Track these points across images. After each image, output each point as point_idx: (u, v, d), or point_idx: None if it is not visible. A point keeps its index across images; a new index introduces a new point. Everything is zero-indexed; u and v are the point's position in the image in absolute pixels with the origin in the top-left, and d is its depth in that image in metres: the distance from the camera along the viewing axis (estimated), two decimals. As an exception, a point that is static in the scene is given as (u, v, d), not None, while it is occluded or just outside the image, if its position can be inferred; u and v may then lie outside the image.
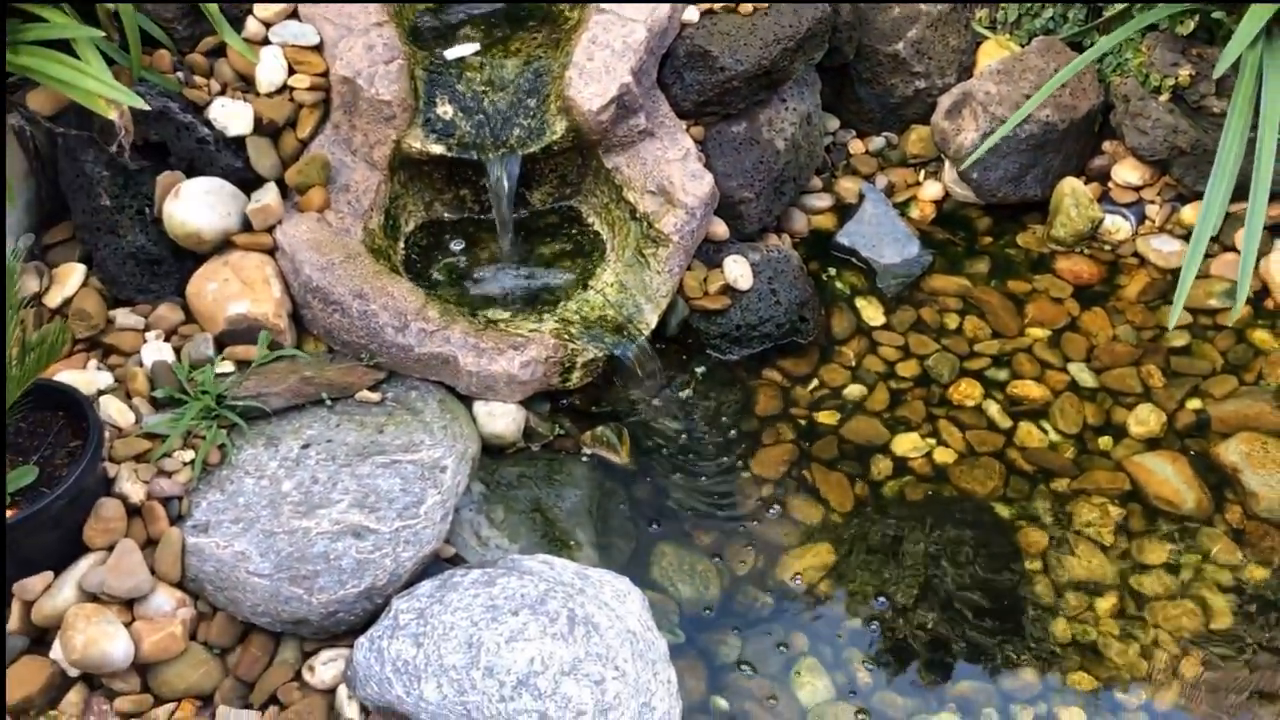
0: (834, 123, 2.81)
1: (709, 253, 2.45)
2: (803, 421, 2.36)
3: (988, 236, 2.67)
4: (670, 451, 2.30)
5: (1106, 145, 2.67)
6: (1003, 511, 2.22)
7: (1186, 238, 2.57)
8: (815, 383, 2.43)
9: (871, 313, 2.53)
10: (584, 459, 2.25)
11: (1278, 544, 2.16)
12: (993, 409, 2.37)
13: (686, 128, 2.47)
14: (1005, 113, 2.55)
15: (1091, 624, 2.09)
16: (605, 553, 2.12)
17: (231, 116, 2.24)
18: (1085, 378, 2.41)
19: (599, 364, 2.24)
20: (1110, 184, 2.65)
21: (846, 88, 2.77)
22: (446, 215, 2.45)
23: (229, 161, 2.24)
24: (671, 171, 2.36)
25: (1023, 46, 2.71)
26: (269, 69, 2.29)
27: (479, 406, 2.18)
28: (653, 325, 2.29)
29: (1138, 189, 2.63)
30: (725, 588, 2.12)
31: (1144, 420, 2.33)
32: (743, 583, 2.13)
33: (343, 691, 1.83)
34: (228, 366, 2.13)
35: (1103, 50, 2.49)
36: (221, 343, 2.17)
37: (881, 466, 2.29)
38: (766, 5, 2.49)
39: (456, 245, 2.41)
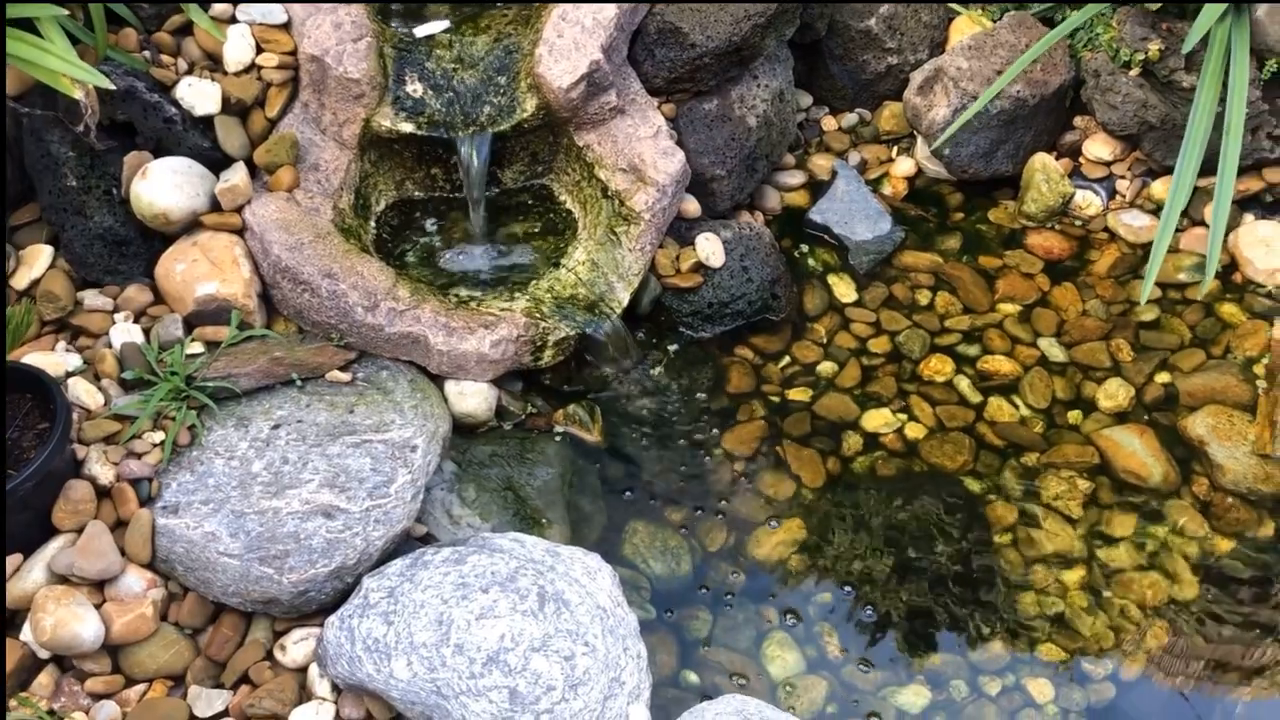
0: (807, 99, 2.81)
1: (681, 230, 2.45)
2: (775, 398, 2.37)
3: (959, 212, 2.67)
4: (642, 429, 2.31)
5: (1077, 120, 2.68)
6: (972, 486, 2.24)
7: (1157, 212, 2.58)
8: (787, 360, 2.43)
9: (844, 289, 2.54)
10: (556, 437, 2.26)
11: (1243, 516, 2.19)
12: (963, 384, 2.38)
13: (658, 105, 2.46)
14: (977, 88, 2.55)
15: (1059, 596, 2.11)
16: (577, 530, 2.13)
17: (199, 96, 2.22)
18: (1055, 352, 2.42)
19: (571, 342, 2.24)
20: (1081, 159, 2.66)
21: (819, 64, 2.77)
22: (417, 194, 2.44)
23: (197, 141, 2.22)
24: (643, 149, 2.36)
25: (994, 22, 2.71)
26: (236, 47, 2.28)
27: (450, 386, 2.18)
28: (625, 303, 2.29)
29: (1108, 164, 2.64)
30: (697, 563, 2.14)
31: (1113, 394, 2.35)
32: (714, 558, 2.15)
33: (314, 670, 1.84)
34: (197, 347, 2.13)
35: (1073, 25, 2.50)
36: (191, 324, 2.16)
37: (853, 442, 2.30)
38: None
39: (428, 224, 2.41)
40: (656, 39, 2.44)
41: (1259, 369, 2.35)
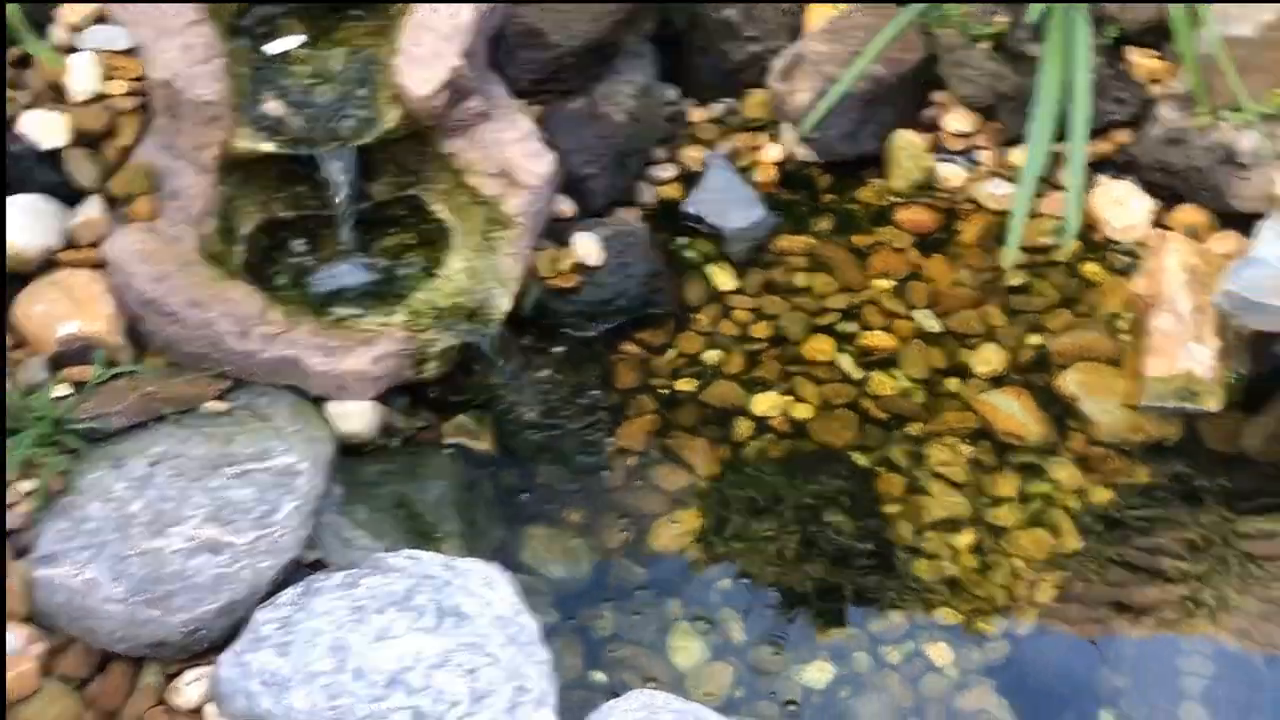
0: (673, 92, 2.81)
1: (558, 231, 2.45)
2: (663, 391, 2.39)
3: (830, 194, 2.71)
4: (534, 433, 2.31)
5: (936, 95, 2.74)
6: (861, 460, 2.28)
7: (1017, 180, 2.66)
8: (673, 352, 2.45)
9: (723, 278, 2.57)
10: (446, 450, 2.24)
11: (1119, 466, 2.27)
12: (845, 362, 2.43)
13: (525, 107, 2.46)
14: (837, 71, 2.60)
15: (951, 560, 2.17)
16: (474, 541, 2.12)
17: (44, 129, 2.15)
18: (930, 323, 2.48)
19: (454, 353, 2.22)
20: (942, 133, 2.72)
21: (683, 57, 2.78)
22: (285, 214, 2.39)
23: (46, 176, 2.15)
24: (512, 153, 2.35)
25: (849, 4, 2.75)
26: (81, 77, 2.21)
27: (332, 407, 2.15)
28: (506, 309, 2.28)
29: (968, 136, 2.71)
30: (597, 563, 2.14)
31: (988, 359, 2.42)
32: (615, 556, 2.16)
33: (211, 710, 1.80)
34: (65, 389, 2.06)
35: (924, 4, 2.55)
36: (56, 365, 2.09)
37: (743, 428, 2.33)
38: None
39: (299, 244, 2.36)
40: (518, 41, 2.44)
41: (1122, 324, 2.44)
